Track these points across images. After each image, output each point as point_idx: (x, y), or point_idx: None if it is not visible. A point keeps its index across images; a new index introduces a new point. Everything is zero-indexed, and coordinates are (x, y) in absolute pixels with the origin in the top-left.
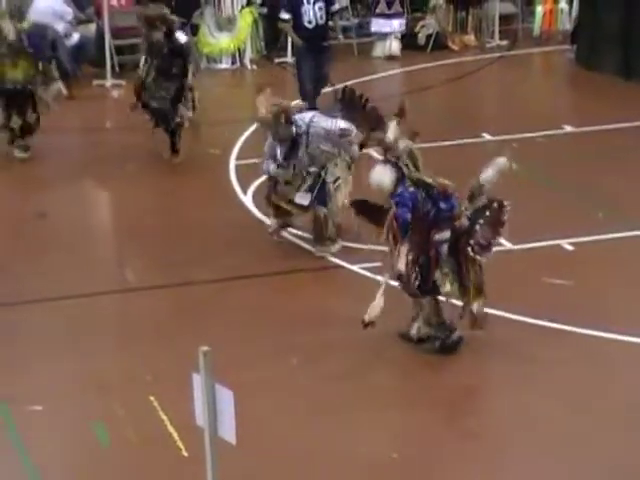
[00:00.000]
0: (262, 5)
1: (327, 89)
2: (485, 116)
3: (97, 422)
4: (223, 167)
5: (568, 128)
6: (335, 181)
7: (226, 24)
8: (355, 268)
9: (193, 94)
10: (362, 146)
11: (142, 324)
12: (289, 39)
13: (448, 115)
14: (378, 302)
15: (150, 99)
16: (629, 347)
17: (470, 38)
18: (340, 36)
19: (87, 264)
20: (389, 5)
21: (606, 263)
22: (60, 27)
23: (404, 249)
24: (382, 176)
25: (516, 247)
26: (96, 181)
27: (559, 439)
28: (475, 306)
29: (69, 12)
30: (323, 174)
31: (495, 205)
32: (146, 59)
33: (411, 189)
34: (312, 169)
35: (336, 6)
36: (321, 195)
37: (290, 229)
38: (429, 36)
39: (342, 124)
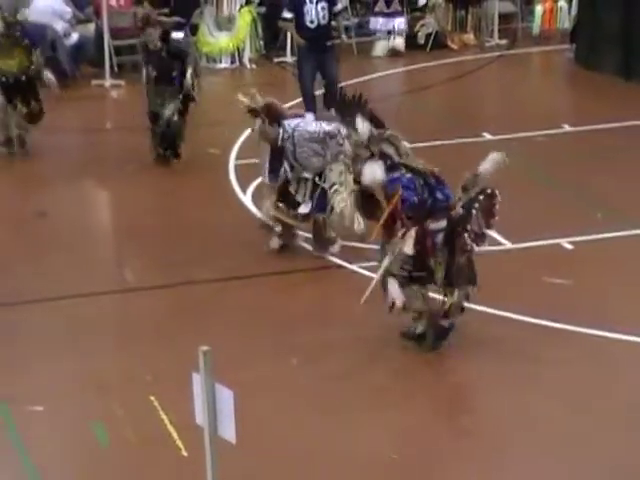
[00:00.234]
0: (260, 4)
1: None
2: (485, 115)
3: (97, 422)
4: (223, 167)
5: (567, 127)
6: (331, 187)
7: (225, 23)
8: (355, 268)
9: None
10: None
11: (142, 324)
12: (288, 38)
13: (448, 114)
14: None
15: (154, 106)
16: (629, 346)
17: (469, 37)
18: (343, 36)
19: (87, 264)
20: (388, 4)
21: (605, 262)
22: (59, 27)
23: (413, 232)
24: (373, 171)
25: (515, 246)
26: (96, 181)
27: (559, 439)
28: (455, 295)
29: (68, 11)
30: (321, 182)
31: (488, 191)
32: (146, 67)
33: (408, 175)
34: (305, 174)
35: (339, 6)
36: (320, 202)
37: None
38: (428, 35)
39: (327, 127)
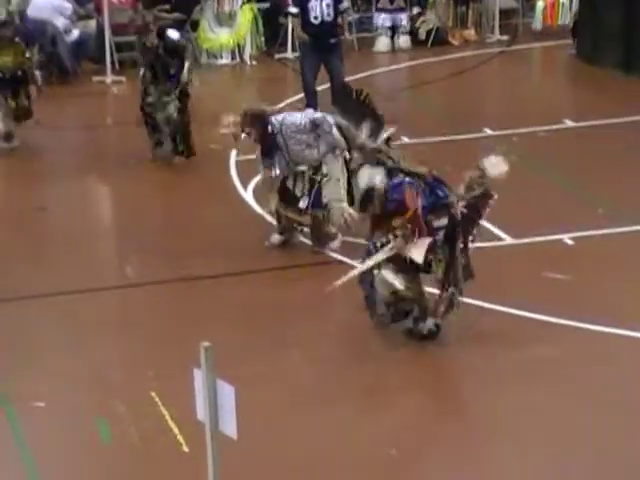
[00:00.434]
0: (263, 0)
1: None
2: (486, 111)
3: (98, 418)
4: (224, 163)
5: (569, 123)
6: (323, 177)
7: (226, 19)
8: (355, 263)
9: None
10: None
11: (143, 319)
12: (289, 35)
13: (449, 110)
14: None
15: (153, 108)
16: (631, 342)
17: (470, 33)
18: (347, 34)
19: (88, 260)
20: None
21: (606, 258)
22: (59, 23)
23: (426, 242)
24: (370, 176)
25: (516, 241)
26: (96, 177)
27: (562, 434)
28: (452, 290)
29: (68, 7)
30: (317, 177)
31: (486, 192)
32: (145, 67)
33: (407, 179)
34: (301, 168)
35: (345, 4)
36: (317, 198)
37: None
38: (429, 31)
39: (312, 115)
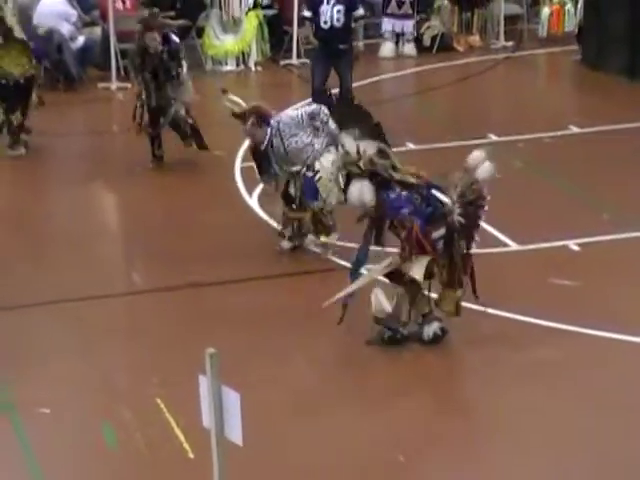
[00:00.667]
0: (270, 7)
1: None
2: (491, 117)
3: (104, 424)
4: (229, 169)
5: (574, 129)
6: (316, 173)
7: (232, 26)
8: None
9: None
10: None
11: (149, 326)
12: (294, 42)
13: (454, 116)
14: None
15: (157, 112)
16: (636, 348)
17: (475, 39)
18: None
19: (94, 266)
20: (400, 5)
21: (612, 264)
22: (65, 29)
23: (424, 261)
24: (361, 192)
25: (522, 247)
26: (102, 183)
27: (566, 438)
28: (459, 293)
29: (73, 14)
30: (310, 173)
31: (479, 196)
32: (142, 73)
33: (404, 193)
34: (295, 168)
35: (360, 11)
36: (310, 190)
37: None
38: (434, 37)
39: (308, 108)
